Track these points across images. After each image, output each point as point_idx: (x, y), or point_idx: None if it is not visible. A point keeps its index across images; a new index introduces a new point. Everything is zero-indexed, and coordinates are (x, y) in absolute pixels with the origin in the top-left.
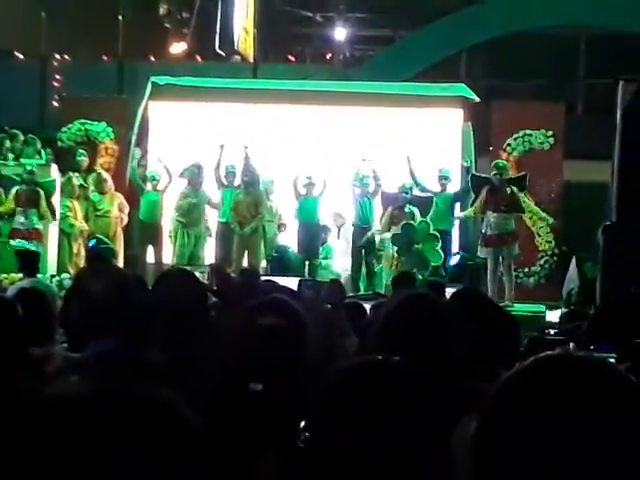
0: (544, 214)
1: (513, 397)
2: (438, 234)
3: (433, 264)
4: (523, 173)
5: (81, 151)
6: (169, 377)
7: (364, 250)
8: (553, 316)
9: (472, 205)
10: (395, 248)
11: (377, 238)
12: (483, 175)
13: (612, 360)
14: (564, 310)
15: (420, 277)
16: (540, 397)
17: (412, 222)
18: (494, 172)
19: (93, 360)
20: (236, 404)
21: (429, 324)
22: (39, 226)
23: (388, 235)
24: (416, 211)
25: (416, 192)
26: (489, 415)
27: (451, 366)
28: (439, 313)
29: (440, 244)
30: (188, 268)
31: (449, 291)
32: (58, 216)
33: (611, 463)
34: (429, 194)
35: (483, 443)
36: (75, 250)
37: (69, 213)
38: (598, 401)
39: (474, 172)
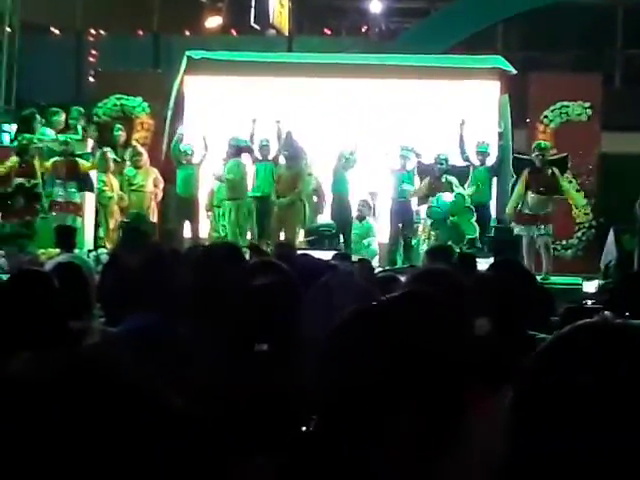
0: (579, 197)
1: (551, 365)
2: (473, 207)
3: (469, 236)
4: (564, 154)
5: (118, 126)
6: (197, 352)
7: (401, 224)
8: (590, 287)
9: (512, 190)
10: (430, 221)
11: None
12: (524, 156)
13: None
14: (601, 282)
15: (457, 250)
16: (579, 364)
17: (446, 196)
18: (536, 153)
19: (128, 335)
20: (246, 365)
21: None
22: (77, 199)
23: (425, 207)
24: (454, 180)
25: (452, 162)
26: (528, 383)
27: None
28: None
29: (475, 217)
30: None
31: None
32: (95, 190)
33: None
34: (466, 164)
35: (522, 409)
36: (112, 226)
37: (105, 187)
38: (637, 367)
39: (516, 154)
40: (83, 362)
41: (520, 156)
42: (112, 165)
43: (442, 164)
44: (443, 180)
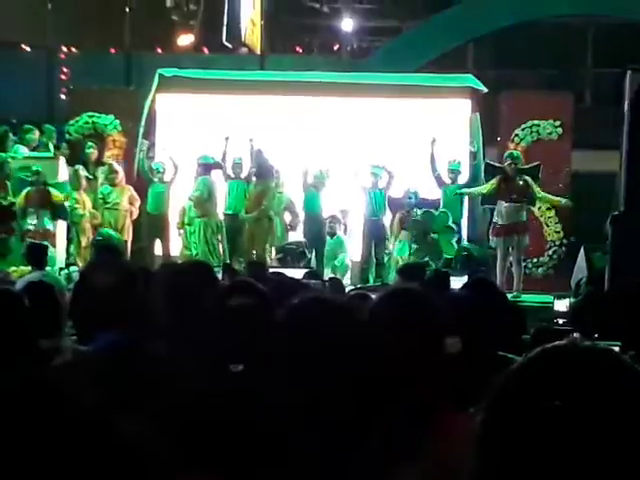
0: (558, 198)
1: (519, 389)
2: (455, 227)
3: (447, 256)
4: (536, 163)
5: (90, 143)
6: (172, 369)
7: (373, 242)
8: (561, 306)
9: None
10: (410, 233)
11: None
12: (497, 164)
13: (616, 349)
14: (572, 300)
15: (433, 267)
16: (546, 387)
17: (432, 211)
18: (508, 162)
19: (98, 354)
20: (220, 386)
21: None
22: (50, 227)
23: (399, 245)
24: (432, 211)
25: (421, 195)
26: (495, 407)
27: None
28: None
29: (456, 237)
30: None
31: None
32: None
33: (617, 454)
34: (435, 198)
35: (488, 435)
36: (84, 243)
37: (77, 205)
38: (604, 390)
39: (488, 161)
40: (34, 384)
41: (492, 163)
42: (84, 183)
43: (411, 198)
44: (413, 214)
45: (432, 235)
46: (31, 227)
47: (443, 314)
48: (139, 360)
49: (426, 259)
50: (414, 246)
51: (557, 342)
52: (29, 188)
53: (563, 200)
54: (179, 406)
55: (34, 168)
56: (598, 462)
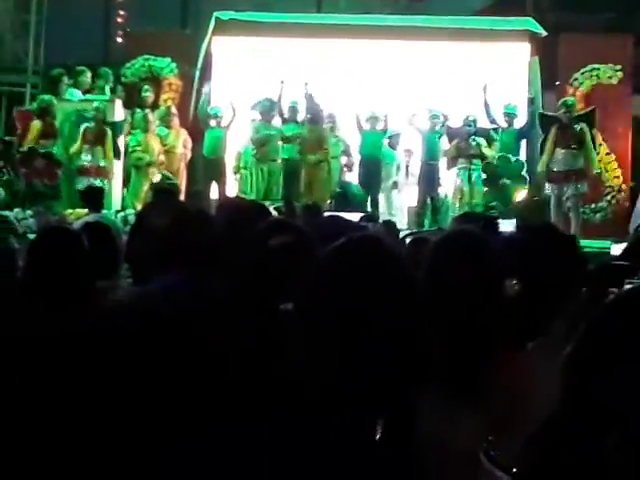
0: (611, 159)
1: (611, 323)
2: (528, 177)
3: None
4: (592, 108)
5: (146, 87)
6: (231, 309)
7: (430, 186)
8: (619, 250)
9: (542, 148)
10: (482, 177)
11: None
12: (551, 114)
13: None
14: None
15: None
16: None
17: (509, 156)
18: (563, 110)
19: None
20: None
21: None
22: (104, 164)
23: (454, 169)
24: (482, 142)
25: (480, 125)
26: (587, 338)
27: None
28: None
29: (527, 186)
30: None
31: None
32: (122, 155)
33: None
34: (495, 126)
35: (577, 366)
36: (145, 187)
37: (138, 148)
38: None
39: (542, 111)
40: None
41: (546, 113)
42: (153, 127)
43: (470, 126)
44: (471, 142)
45: (504, 180)
46: (86, 163)
47: (501, 256)
48: (196, 302)
49: (493, 204)
50: (484, 189)
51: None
52: (87, 125)
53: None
54: (236, 346)
55: (95, 104)
56: None
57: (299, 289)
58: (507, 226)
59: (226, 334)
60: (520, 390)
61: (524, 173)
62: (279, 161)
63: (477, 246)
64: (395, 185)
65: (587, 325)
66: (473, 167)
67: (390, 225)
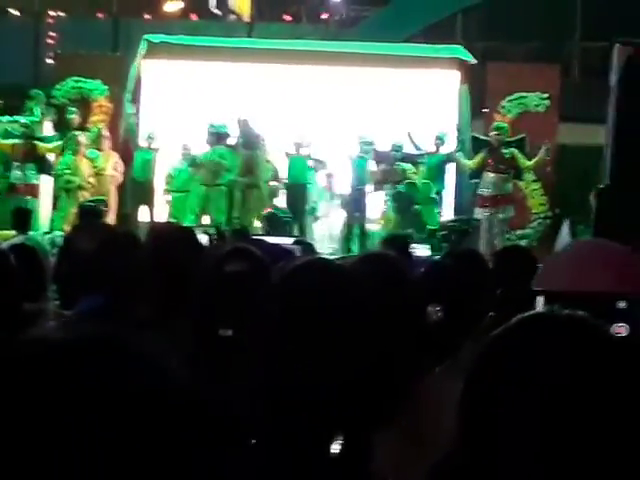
0: (540, 156)
1: (498, 358)
2: (438, 198)
3: (430, 227)
4: (522, 135)
5: (72, 109)
6: (157, 331)
7: (357, 211)
8: None
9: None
10: (393, 205)
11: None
12: (483, 137)
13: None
14: None
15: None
16: (524, 357)
17: (415, 182)
18: (494, 133)
19: (81, 316)
20: (208, 350)
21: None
22: (36, 181)
23: (381, 192)
24: (408, 167)
25: (407, 150)
26: (475, 377)
27: None
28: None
29: (439, 208)
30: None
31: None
32: (54, 173)
33: (593, 420)
34: (420, 152)
35: (469, 405)
36: (73, 209)
37: (67, 170)
38: (580, 358)
39: (474, 134)
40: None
41: (478, 136)
42: (83, 149)
43: (397, 151)
44: (397, 167)
45: (415, 207)
46: (16, 181)
47: (422, 281)
48: (120, 323)
49: (410, 231)
50: (397, 217)
51: (536, 311)
52: (16, 140)
53: (542, 153)
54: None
55: (22, 121)
56: (577, 430)
57: (248, 316)
58: (423, 251)
59: (151, 358)
60: (429, 416)
61: (433, 195)
62: (222, 187)
63: (393, 271)
64: (312, 211)
65: (476, 356)
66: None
67: (307, 246)
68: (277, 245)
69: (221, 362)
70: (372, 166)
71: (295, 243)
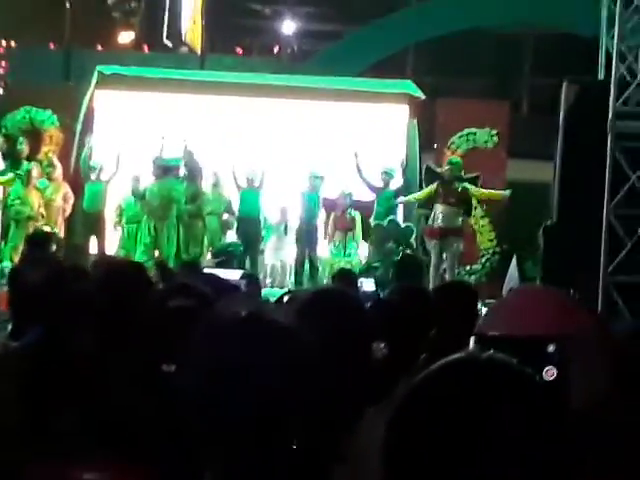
0: (497, 192)
1: (420, 402)
2: (414, 243)
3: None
4: (476, 174)
5: (21, 139)
6: (98, 364)
7: (308, 246)
8: None
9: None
10: (372, 238)
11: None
12: (437, 169)
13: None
14: None
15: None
16: (445, 401)
17: (399, 222)
18: (447, 167)
19: (25, 348)
20: (150, 386)
21: None
22: None
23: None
24: (357, 216)
25: (356, 197)
26: (398, 419)
27: None
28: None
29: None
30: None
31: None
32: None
33: (515, 463)
34: (369, 200)
35: (392, 447)
36: (22, 240)
37: (17, 201)
38: (502, 401)
39: (429, 164)
40: None
41: (433, 167)
42: (34, 181)
43: (347, 198)
44: (347, 215)
45: (390, 244)
46: None
47: (369, 317)
48: (62, 356)
49: (376, 264)
50: (371, 248)
51: (458, 355)
52: None
53: (502, 192)
54: (104, 402)
55: None
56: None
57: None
58: (369, 285)
59: (91, 390)
60: (358, 459)
61: (412, 240)
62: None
63: (340, 305)
64: (263, 245)
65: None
66: (348, 240)
67: (252, 279)
68: (223, 280)
69: (164, 397)
70: (322, 214)
71: (243, 277)
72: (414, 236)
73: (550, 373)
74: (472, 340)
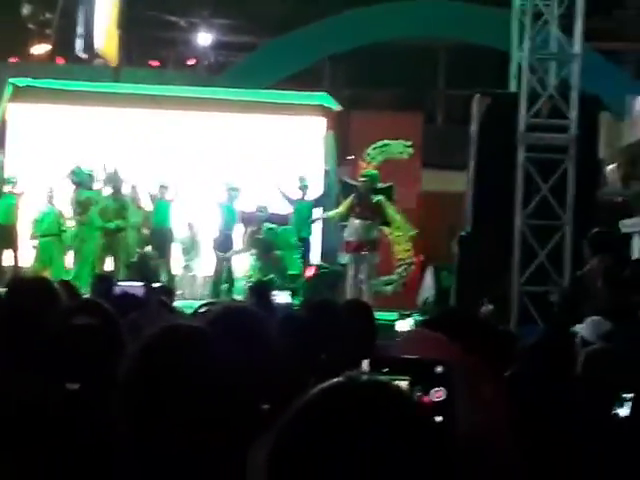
0: (407, 225)
1: (302, 427)
2: (300, 243)
3: (291, 272)
4: (390, 184)
5: None
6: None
7: (225, 256)
8: (403, 325)
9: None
10: (254, 252)
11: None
12: (351, 182)
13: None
14: (418, 319)
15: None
16: (326, 426)
17: (275, 228)
18: (362, 179)
19: None
20: (54, 404)
21: None
22: None
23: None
24: (274, 227)
25: (272, 210)
26: (280, 444)
27: None
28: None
29: (300, 254)
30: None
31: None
32: None
33: None
34: (285, 213)
35: (273, 472)
36: None
37: None
38: (381, 423)
39: (344, 178)
40: None
41: (348, 180)
42: None
43: (262, 212)
44: (264, 229)
45: (276, 252)
46: None
47: (272, 335)
48: None
49: (271, 276)
50: (258, 263)
51: (335, 380)
52: None
53: (412, 231)
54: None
55: None
56: None
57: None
58: (284, 297)
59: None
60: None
61: (294, 240)
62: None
63: (251, 327)
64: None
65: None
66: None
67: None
68: (130, 295)
69: (68, 415)
70: (239, 228)
71: (158, 289)
72: (295, 237)
73: (439, 394)
74: (365, 362)
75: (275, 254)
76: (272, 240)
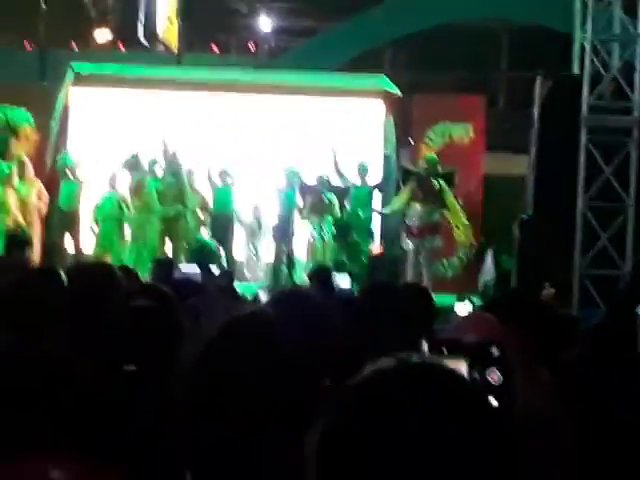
0: (461, 215)
1: (355, 408)
2: (374, 232)
3: (364, 258)
4: (451, 169)
5: (4, 137)
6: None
7: (285, 241)
8: (462, 308)
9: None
10: (332, 233)
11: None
12: (412, 168)
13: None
14: (477, 302)
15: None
16: (380, 408)
17: (359, 212)
18: (423, 165)
19: None
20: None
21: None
22: None
23: (308, 225)
24: (335, 199)
25: (334, 182)
26: (331, 425)
27: None
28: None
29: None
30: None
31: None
32: None
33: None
34: (348, 185)
35: (324, 453)
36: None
37: None
38: (440, 408)
39: (404, 164)
40: None
41: (408, 167)
42: (13, 180)
43: (323, 183)
44: (325, 200)
45: (354, 237)
46: None
47: (334, 319)
48: (30, 362)
49: (343, 259)
50: (334, 244)
51: (388, 360)
52: None
53: (462, 220)
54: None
55: None
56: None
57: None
58: (345, 282)
59: (63, 394)
60: None
61: (371, 227)
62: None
63: (304, 308)
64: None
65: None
66: (325, 224)
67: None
68: (190, 280)
69: (127, 397)
70: (299, 199)
71: (220, 274)
72: (371, 225)
73: (493, 376)
74: (424, 344)
75: (352, 239)
76: (352, 224)
